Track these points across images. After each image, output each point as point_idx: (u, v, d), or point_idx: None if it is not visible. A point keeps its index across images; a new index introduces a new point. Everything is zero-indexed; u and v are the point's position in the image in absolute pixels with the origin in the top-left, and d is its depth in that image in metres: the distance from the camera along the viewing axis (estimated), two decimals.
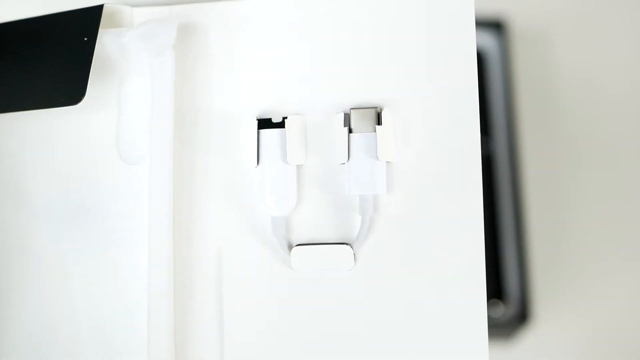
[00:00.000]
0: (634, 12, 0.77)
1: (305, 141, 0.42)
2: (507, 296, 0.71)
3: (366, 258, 0.41)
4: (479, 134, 0.40)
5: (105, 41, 0.41)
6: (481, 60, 0.73)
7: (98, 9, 0.40)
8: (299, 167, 0.42)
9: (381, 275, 0.40)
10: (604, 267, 0.74)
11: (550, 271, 0.74)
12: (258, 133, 0.41)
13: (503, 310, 0.70)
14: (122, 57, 0.41)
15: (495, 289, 0.71)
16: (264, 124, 0.41)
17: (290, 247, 0.41)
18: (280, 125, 0.41)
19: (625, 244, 0.74)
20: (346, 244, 0.41)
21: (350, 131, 0.41)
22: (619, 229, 0.74)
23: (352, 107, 0.41)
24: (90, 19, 0.39)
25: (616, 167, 0.75)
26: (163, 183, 0.41)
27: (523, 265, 0.71)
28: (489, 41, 0.73)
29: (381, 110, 0.41)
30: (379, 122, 0.41)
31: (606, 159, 0.75)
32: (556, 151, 0.76)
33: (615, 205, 0.75)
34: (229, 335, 0.41)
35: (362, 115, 0.41)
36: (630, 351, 0.73)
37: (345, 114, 0.41)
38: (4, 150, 0.44)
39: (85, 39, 0.39)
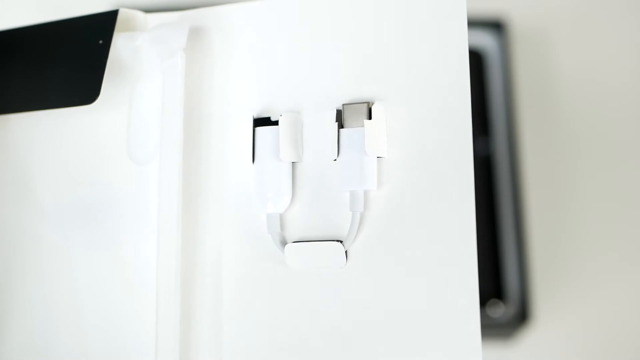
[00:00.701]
0: (634, 12, 0.78)
1: (301, 138, 0.42)
2: (507, 296, 0.71)
3: (358, 255, 0.41)
4: (471, 131, 0.40)
5: (118, 44, 0.42)
6: (481, 60, 0.74)
7: (113, 14, 0.41)
8: (295, 164, 0.42)
9: (373, 272, 0.41)
10: (604, 267, 0.74)
11: (550, 271, 0.74)
12: (254, 131, 0.42)
13: (503, 310, 0.71)
14: (134, 59, 0.43)
15: (495, 289, 0.71)
16: (262, 122, 0.42)
17: (284, 244, 0.42)
18: (277, 123, 0.42)
19: (626, 243, 0.75)
20: (338, 240, 0.41)
21: (341, 127, 0.41)
22: (619, 229, 0.75)
23: (345, 102, 0.42)
24: (106, 23, 0.41)
25: (616, 167, 0.76)
26: (172, 183, 0.42)
27: (523, 265, 0.71)
28: (489, 41, 0.74)
29: (372, 104, 0.41)
30: (370, 117, 0.41)
31: (606, 158, 0.76)
32: (556, 151, 0.77)
33: (616, 205, 0.76)
34: (228, 332, 0.42)
35: (353, 110, 0.41)
36: (631, 351, 0.74)
37: (337, 110, 0.42)
38: (14, 149, 0.45)
39: (101, 41, 0.41)
